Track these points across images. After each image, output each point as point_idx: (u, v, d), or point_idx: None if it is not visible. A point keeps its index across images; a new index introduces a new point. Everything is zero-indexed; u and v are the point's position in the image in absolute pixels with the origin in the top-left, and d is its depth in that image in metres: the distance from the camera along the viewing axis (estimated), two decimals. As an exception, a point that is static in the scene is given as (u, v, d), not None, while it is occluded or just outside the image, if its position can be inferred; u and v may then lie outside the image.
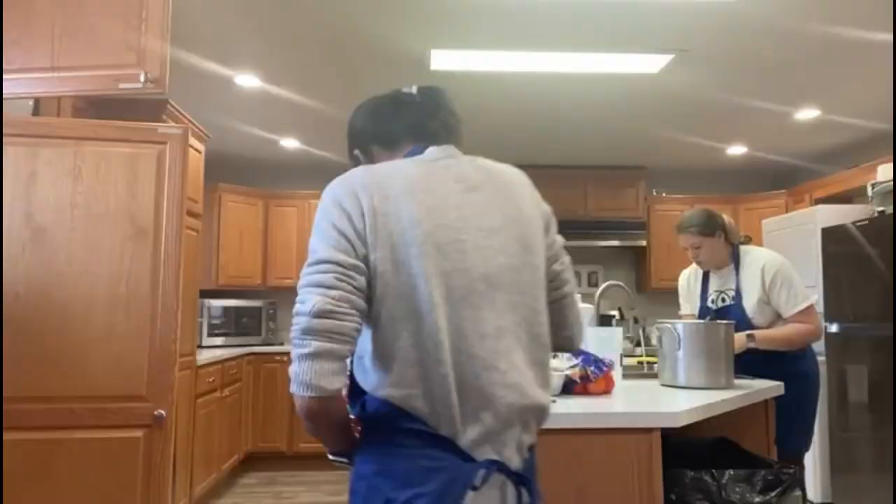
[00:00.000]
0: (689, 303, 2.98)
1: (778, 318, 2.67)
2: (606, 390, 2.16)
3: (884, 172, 4.14)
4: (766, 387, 2.34)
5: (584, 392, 2.11)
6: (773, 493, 1.87)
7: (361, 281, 1.16)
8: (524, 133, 4.98)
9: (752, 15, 3.03)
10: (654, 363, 2.84)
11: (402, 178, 1.23)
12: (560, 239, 1.42)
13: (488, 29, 3.18)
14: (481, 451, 1.15)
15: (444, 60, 3.52)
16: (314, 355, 1.14)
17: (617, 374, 2.34)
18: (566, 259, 1.42)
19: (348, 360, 1.19)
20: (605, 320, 5.57)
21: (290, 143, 5.28)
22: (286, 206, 5.79)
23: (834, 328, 4.14)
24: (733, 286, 2.73)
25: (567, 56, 3.47)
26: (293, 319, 1.21)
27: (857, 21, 3.09)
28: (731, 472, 1.89)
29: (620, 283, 3.08)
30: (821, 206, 4.56)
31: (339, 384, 1.16)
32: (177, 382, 3.49)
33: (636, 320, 5.34)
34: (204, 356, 4.21)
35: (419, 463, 1.13)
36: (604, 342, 2.37)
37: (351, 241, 1.16)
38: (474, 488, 1.11)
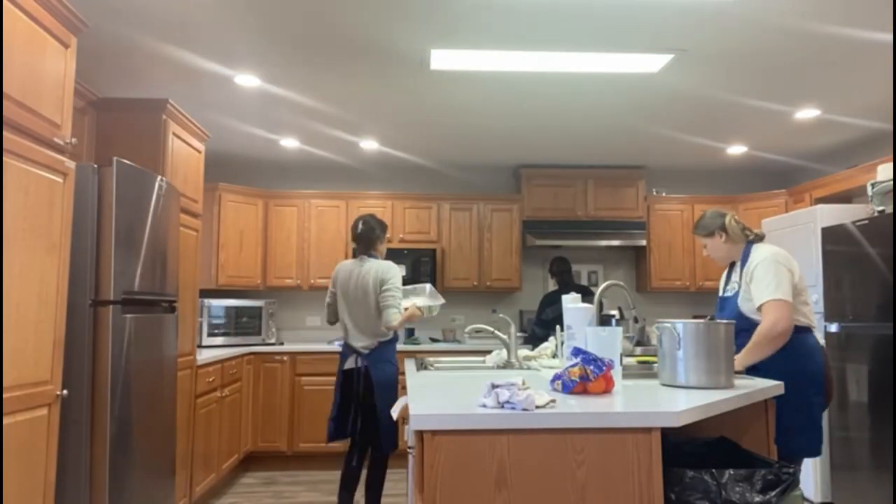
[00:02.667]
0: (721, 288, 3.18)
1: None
2: (606, 390, 2.16)
3: (884, 172, 4.14)
4: (766, 386, 2.34)
5: (584, 391, 2.11)
6: (772, 493, 1.87)
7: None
8: (524, 133, 4.98)
9: (752, 15, 3.03)
10: (653, 363, 2.85)
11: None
12: (388, 287, 3.64)
13: (488, 29, 3.18)
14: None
15: (444, 60, 3.52)
16: None
17: (617, 373, 2.34)
18: (387, 295, 3.62)
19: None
20: (605, 320, 5.58)
21: (290, 143, 5.28)
22: (286, 206, 5.80)
23: (834, 328, 4.14)
24: (736, 277, 2.89)
25: (567, 56, 3.47)
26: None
27: (857, 21, 3.10)
28: (731, 471, 1.89)
29: (620, 283, 3.09)
30: (821, 206, 4.56)
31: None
32: (178, 382, 3.51)
33: (636, 320, 5.34)
34: (204, 356, 4.21)
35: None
36: (604, 342, 2.37)
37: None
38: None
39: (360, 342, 3.66)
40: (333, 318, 3.84)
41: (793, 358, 2.65)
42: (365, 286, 3.62)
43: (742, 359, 2.63)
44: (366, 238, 3.71)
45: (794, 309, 2.65)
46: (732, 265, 2.99)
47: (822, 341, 2.81)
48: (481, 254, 5.85)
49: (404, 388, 3.39)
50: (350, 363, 3.67)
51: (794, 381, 2.57)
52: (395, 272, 3.62)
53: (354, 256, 3.76)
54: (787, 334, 2.59)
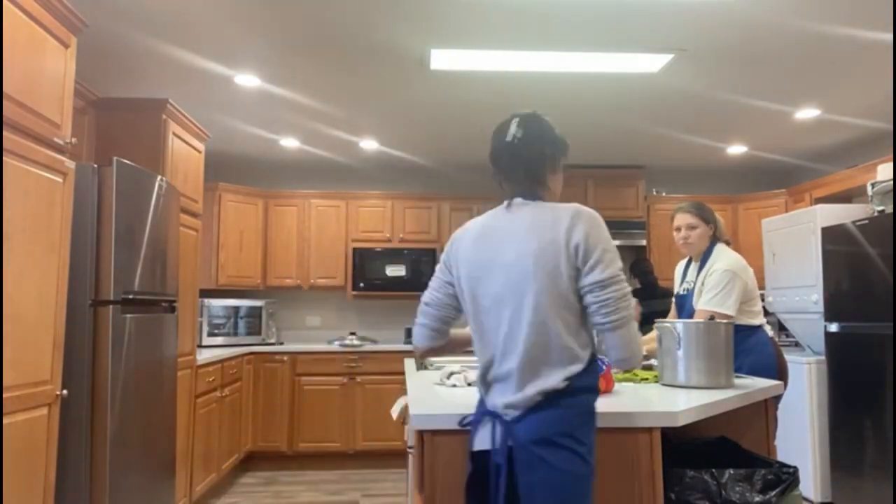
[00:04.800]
0: (677, 285, 3.25)
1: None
2: (606, 389, 2.16)
3: (884, 172, 4.14)
4: (766, 386, 2.35)
5: None
6: (772, 493, 1.87)
7: None
8: (524, 133, 4.97)
9: (752, 15, 3.03)
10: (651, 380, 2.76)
11: None
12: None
13: (488, 29, 3.18)
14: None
15: (444, 60, 3.52)
16: None
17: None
18: (606, 284, 1.68)
19: None
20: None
21: (290, 143, 5.28)
22: (286, 206, 5.80)
23: (834, 328, 4.14)
24: (694, 276, 2.99)
25: (567, 56, 3.47)
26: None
27: (857, 21, 3.09)
28: (731, 471, 1.89)
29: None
30: (821, 206, 4.56)
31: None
32: (178, 382, 3.51)
33: None
34: (204, 356, 4.21)
35: None
36: None
37: None
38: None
39: (509, 387, 1.66)
40: (439, 339, 1.84)
41: (746, 353, 2.86)
42: (531, 254, 1.66)
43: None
44: (525, 161, 1.76)
45: (738, 318, 2.82)
46: (689, 262, 3.10)
47: (769, 333, 3.02)
48: (481, 254, 5.84)
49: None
50: (484, 436, 1.68)
51: (750, 374, 2.78)
52: (604, 230, 1.70)
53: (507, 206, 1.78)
54: None
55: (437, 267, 1.85)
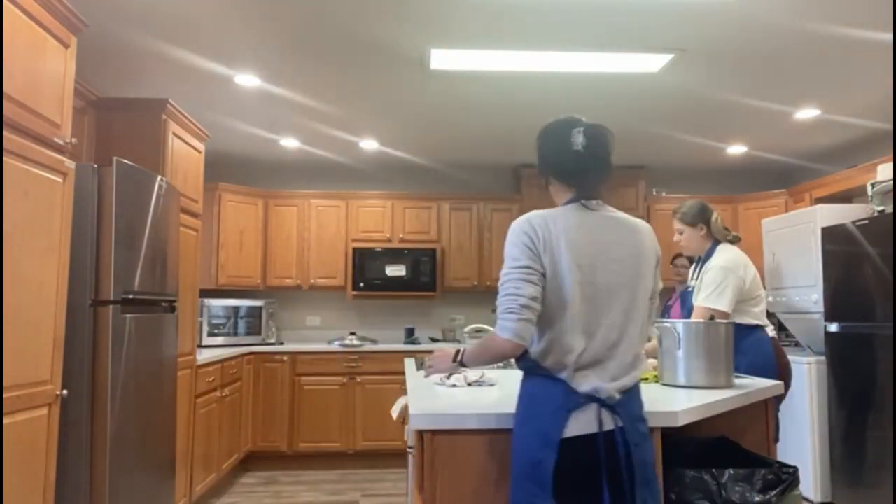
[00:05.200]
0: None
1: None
2: None
3: (883, 172, 4.14)
4: (766, 386, 2.35)
5: None
6: (772, 493, 1.87)
7: None
8: (524, 133, 4.98)
9: (752, 15, 3.03)
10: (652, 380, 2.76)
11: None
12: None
13: (487, 29, 3.18)
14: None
15: (443, 60, 3.52)
16: None
17: None
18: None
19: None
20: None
21: (290, 143, 5.28)
22: (286, 206, 5.80)
23: (834, 328, 4.14)
24: (697, 276, 3.06)
25: (567, 56, 3.47)
26: None
27: (857, 21, 3.09)
28: (731, 471, 1.89)
29: None
30: (821, 206, 4.56)
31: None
32: (178, 382, 3.50)
33: None
34: (204, 356, 4.21)
35: None
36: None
37: None
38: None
39: (614, 374, 1.75)
40: (526, 330, 1.71)
41: (743, 352, 2.86)
42: (637, 255, 1.83)
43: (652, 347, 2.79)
44: (602, 163, 1.87)
45: (735, 316, 2.86)
46: (698, 261, 3.14)
47: (771, 334, 3.04)
48: (481, 254, 5.85)
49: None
50: (587, 421, 1.71)
51: (748, 374, 2.78)
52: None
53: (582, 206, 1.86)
54: None
55: (519, 257, 1.73)
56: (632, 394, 1.77)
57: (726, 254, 2.95)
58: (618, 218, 1.86)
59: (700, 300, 2.88)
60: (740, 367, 2.84)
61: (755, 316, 2.96)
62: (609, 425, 1.69)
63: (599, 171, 1.85)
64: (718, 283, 2.86)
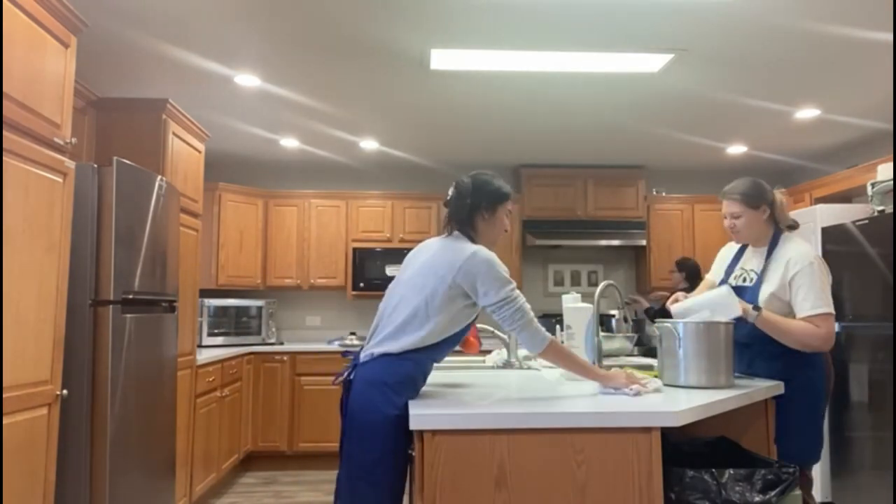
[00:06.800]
0: (717, 269, 2.80)
1: (789, 315, 2.45)
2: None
3: (884, 172, 4.14)
4: (766, 386, 2.34)
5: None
6: (772, 493, 1.87)
7: None
8: (524, 133, 4.98)
9: (752, 15, 3.03)
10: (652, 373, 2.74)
11: None
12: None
13: (488, 29, 3.18)
14: None
15: (444, 60, 3.52)
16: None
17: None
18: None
19: None
20: (604, 320, 5.58)
21: (290, 143, 5.28)
22: (286, 206, 5.80)
23: (834, 328, 4.13)
24: (758, 269, 2.54)
25: (567, 56, 3.47)
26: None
27: (857, 21, 3.09)
28: (731, 471, 1.89)
29: (613, 283, 3.07)
30: (821, 206, 4.56)
31: None
32: (178, 382, 3.50)
33: (626, 319, 5.35)
34: (204, 356, 4.21)
35: None
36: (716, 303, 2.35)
37: None
38: None
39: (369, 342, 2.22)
40: None
41: (806, 366, 2.48)
42: (434, 265, 2.16)
43: (773, 319, 2.37)
44: (451, 206, 2.28)
45: None
46: (741, 250, 2.69)
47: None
48: (481, 254, 5.84)
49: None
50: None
51: (799, 386, 2.45)
52: (489, 264, 2.11)
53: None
54: (826, 349, 2.43)
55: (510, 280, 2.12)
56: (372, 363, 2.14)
57: (803, 246, 2.47)
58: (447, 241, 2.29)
59: (810, 309, 2.36)
60: (794, 381, 2.43)
61: None
62: None
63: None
64: (821, 282, 2.38)
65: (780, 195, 2.58)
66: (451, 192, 2.29)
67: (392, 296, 2.21)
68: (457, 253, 2.12)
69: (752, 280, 2.55)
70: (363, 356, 2.14)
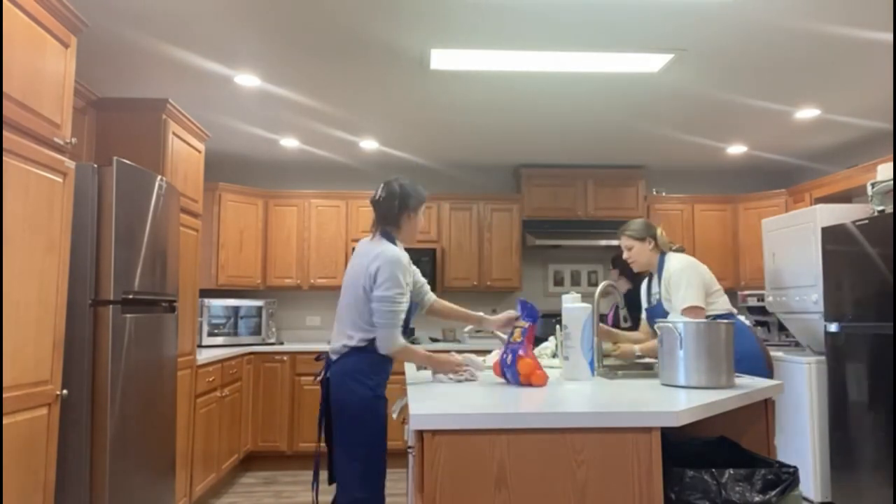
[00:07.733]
0: (643, 299, 3.43)
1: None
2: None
3: (883, 172, 4.14)
4: (766, 386, 2.35)
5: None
6: (772, 493, 1.87)
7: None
8: (524, 133, 4.98)
9: (752, 15, 3.03)
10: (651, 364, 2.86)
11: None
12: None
13: (487, 29, 3.18)
14: None
15: (443, 60, 3.52)
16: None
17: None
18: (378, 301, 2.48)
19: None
20: (604, 320, 5.58)
21: (290, 143, 5.28)
22: (286, 206, 5.80)
23: (834, 328, 4.14)
24: (657, 289, 3.20)
25: (567, 56, 3.47)
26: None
27: (857, 21, 3.10)
28: (731, 471, 1.89)
29: (613, 283, 3.17)
30: (821, 206, 4.56)
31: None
32: (178, 382, 3.50)
33: (625, 319, 5.36)
34: (204, 356, 4.21)
35: None
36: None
37: None
38: None
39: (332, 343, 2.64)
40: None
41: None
42: (356, 272, 2.57)
43: (649, 347, 3.10)
44: (381, 206, 2.68)
45: (706, 308, 3.04)
46: (651, 277, 3.30)
47: (747, 322, 3.21)
48: (481, 253, 5.85)
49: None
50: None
51: (738, 362, 2.74)
52: (392, 265, 2.47)
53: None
54: None
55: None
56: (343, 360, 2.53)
57: (677, 259, 3.14)
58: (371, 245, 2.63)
59: (680, 303, 3.00)
60: None
61: (723, 305, 3.11)
62: None
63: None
64: (686, 281, 3.02)
65: (661, 231, 3.28)
66: (380, 192, 2.63)
67: (342, 297, 2.59)
68: (371, 258, 2.47)
69: (656, 300, 3.22)
70: (332, 355, 2.53)
